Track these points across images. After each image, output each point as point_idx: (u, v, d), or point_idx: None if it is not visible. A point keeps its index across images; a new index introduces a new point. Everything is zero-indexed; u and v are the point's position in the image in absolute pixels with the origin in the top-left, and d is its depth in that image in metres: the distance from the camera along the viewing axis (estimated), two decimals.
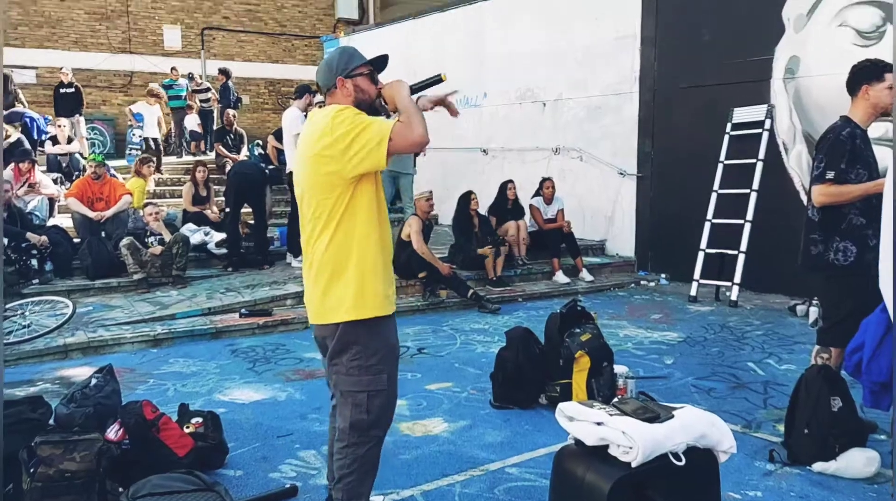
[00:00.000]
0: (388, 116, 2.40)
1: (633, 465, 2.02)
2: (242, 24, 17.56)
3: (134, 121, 12.36)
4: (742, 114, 7.44)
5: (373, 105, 2.44)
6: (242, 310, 6.30)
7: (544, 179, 8.49)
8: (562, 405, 2.38)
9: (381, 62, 2.49)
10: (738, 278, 7.09)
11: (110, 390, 3.29)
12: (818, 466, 3.28)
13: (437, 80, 2.52)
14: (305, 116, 8.27)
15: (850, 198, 3.34)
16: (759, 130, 7.28)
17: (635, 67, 8.52)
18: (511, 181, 8.37)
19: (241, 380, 4.78)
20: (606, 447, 2.10)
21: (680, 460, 2.06)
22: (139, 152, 11.48)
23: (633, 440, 2.00)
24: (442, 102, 2.61)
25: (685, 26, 7.97)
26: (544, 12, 9.67)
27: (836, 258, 3.41)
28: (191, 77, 14.15)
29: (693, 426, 2.14)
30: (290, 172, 7.68)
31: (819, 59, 6.85)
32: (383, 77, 2.52)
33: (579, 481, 2.16)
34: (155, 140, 12.47)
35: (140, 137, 12.55)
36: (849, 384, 3.42)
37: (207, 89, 13.85)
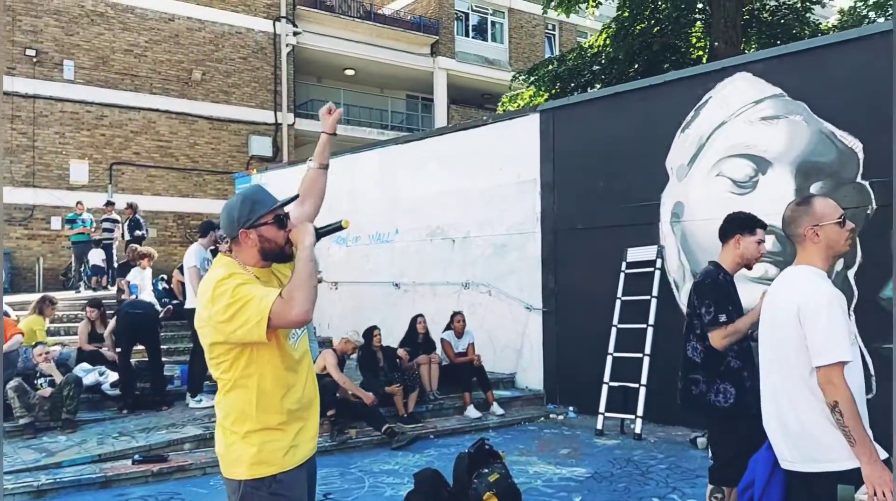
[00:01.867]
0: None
1: None
2: (153, 159, 17.67)
3: (128, 292, 11.23)
4: (635, 253, 7.93)
5: (282, 252, 2.39)
6: (136, 456, 5.94)
7: (455, 313, 8.66)
8: None
9: (290, 201, 2.47)
10: (640, 410, 7.28)
11: None
12: None
13: (338, 226, 2.50)
14: (214, 252, 8.27)
15: (742, 332, 3.50)
16: (652, 269, 7.76)
17: (536, 208, 9.03)
18: (421, 316, 8.49)
19: None
20: None
21: None
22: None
23: None
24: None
25: (580, 173, 8.58)
26: (450, 159, 10.23)
27: (717, 400, 3.57)
28: (108, 203, 13.88)
29: None
30: (190, 310, 7.57)
31: (700, 205, 7.48)
32: None
33: None
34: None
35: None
36: None
37: (116, 221, 13.61)
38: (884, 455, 2.50)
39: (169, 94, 17.83)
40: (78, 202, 13.55)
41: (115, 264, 12.99)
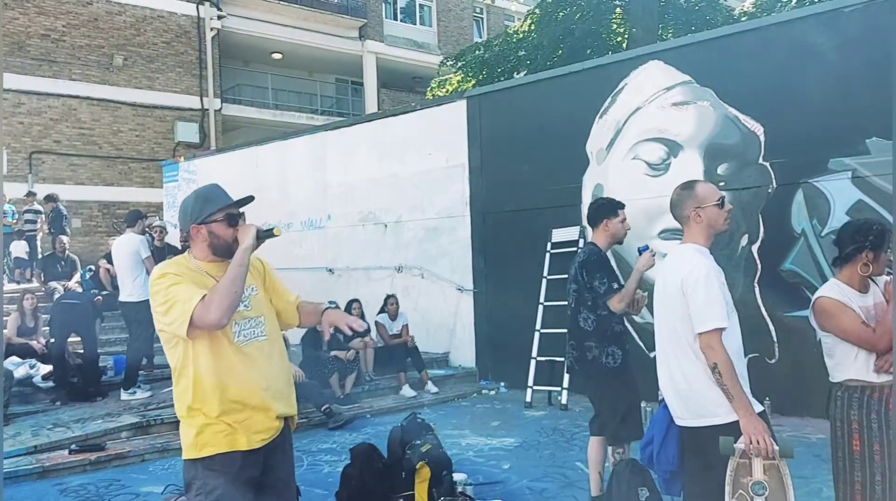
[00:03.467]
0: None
1: None
2: (75, 147, 17.14)
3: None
4: (559, 234, 8.32)
5: (230, 249, 2.50)
6: (72, 446, 5.96)
7: (388, 296, 8.89)
8: None
9: (244, 202, 2.57)
10: (566, 383, 7.68)
11: None
12: None
13: (270, 233, 2.57)
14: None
15: (632, 293, 3.96)
16: (575, 249, 8.13)
17: (465, 192, 9.31)
18: (357, 300, 8.69)
19: None
20: None
21: None
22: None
23: None
24: (339, 323, 2.71)
25: (507, 158, 8.90)
26: (380, 145, 10.39)
27: (607, 361, 4.01)
28: (29, 194, 13.47)
29: None
30: (123, 302, 7.53)
31: (618, 188, 7.87)
32: None
33: None
34: None
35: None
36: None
37: (38, 212, 13.22)
38: (759, 408, 2.86)
39: (90, 80, 17.29)
40: None
41: (39, 256, 12.65)
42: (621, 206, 4.19)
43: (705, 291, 2.84)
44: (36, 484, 5.39)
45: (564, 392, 7.63)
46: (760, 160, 6.91)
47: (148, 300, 2.57)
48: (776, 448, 2.75)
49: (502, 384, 8.75)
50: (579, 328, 4.10)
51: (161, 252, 8.65)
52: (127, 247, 7.52)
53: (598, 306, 4.00)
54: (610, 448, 4.09)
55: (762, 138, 6.90)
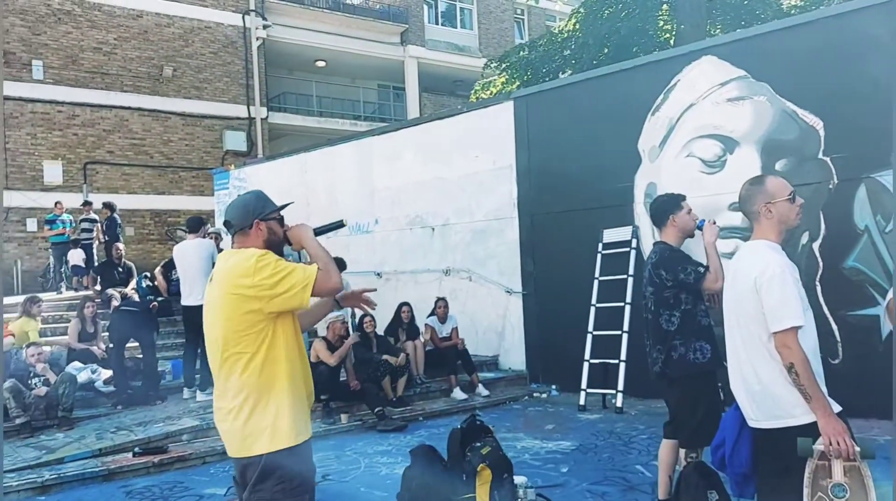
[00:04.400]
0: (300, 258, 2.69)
1: None
2: (127, 157, 17.60)
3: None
4: (611, 235, 8.21)
5: (282, 244, 2.69)
6: (136, 449, 6.10)
7: (438, 299, 8.90)
8: None
9: (284, 207, 2.78)
10: (621, 385, 7.57)
11: None
12: None
13: (339, 224, 2.85)
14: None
15: (720, 269, 3.78)
16: (627, 249, 8.04)
17: (513, 194, 9.27)
18: (407, 304, 8.73)
19: None
20: None
21: None
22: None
23: None
24: (359, 298, 2.94)
25: (555, 158, 8.82)
26: (427, 148, 10.42)
27: (695, 358, 3.85)
28: (86, 203, 13.88)
29: None
30: (190, 306, 7.64)
31: (672, 185, 7.70)
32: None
33: None
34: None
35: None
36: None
37: (94, 221, 13.58)
38: (837, 408, 2.76)
39: (140, 91, 17.74)
40: (57, 202, 13.48)
41: (95, 264, 13.00)
42: (683, 198, 4.08)
43: (780, 288, 2.77)
44: (102, 487, 5.52)
45: (619, 395, 7.52)
46: (820, 155, 6.72)
47: None
48: (857, 448, 2.66)
49: (554, 386, 8.68)
50: (662, 330, 3.95)
51: None
52: (200, 251, 7.65)
53: (681, 302, 3.89)
54: (683, 452, 4.00)
55: (821, 133, 6.72)
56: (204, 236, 7.81)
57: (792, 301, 2.76)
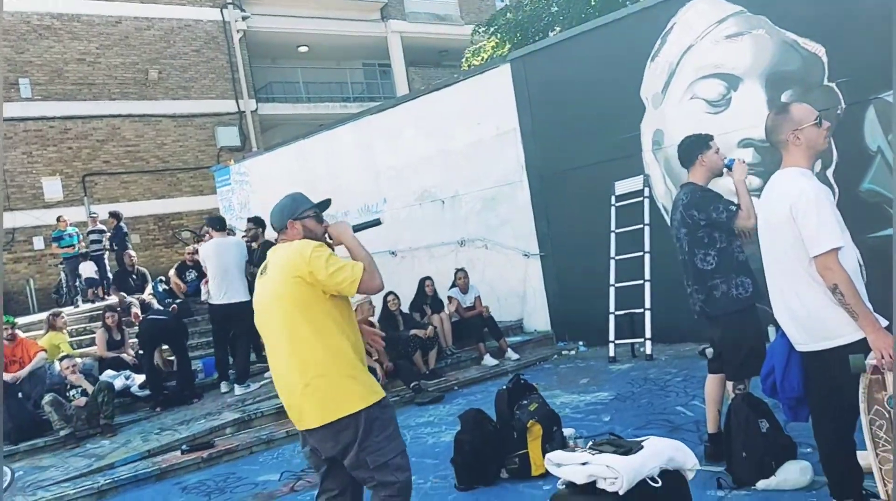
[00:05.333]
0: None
1: (621, 493, 2.31)
2: (124, 165, 17.56)
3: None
4: (623, 186, 8.21)
5: (319, 239, 2.86)
6: (183, 446, 6.18)
7: (457, 270, 8.95)
8: (549, 455, 2.71)
9: (324, 205, 2.98)
10: (648, 333, 7.64)
11: None
12: (761, 484, 3.65)
13: (376, 222, 3.10)
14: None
15: (752, 206, 3.76)
16: (640, 198, 8.05)
17: (520, 157, 9.25)
18: (429, 278, 8.79)
19: None
20: (594, 483, 2.39)
21: (657, 482, 2.37)
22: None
23: (616, 471, 2.31)
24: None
25: (559, 116, 8.80)
26: (427, 122, 10.38)
27: (738, 293, 3.86)
28: (92, 215, 13.90)
29: (662, 452, 2.46)
30: (221, 305, 7.63)
31: (679, 129, 7.69)
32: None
33: None
34: None
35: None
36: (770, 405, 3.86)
37: (103, 232, 13.61)
38: (884, 323, 2.81)
39: (128, 97, 17.65)
40: (59, 218, 13.49)
41: (109, 274, 13.05)
42: (711, 137, 4.07)
43: (817, 212, 2.79)
44: (157, 486, 5.62)
45: (648, 343, 7.59)
46: (825, 82, 6.70)
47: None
48: None
49: (581, 343, 8.75)
50: (700, 271, 3.95)
51: None
52: (237, 249, 7.68)
53: (716, 240, 3.89)
54: (730, 384, 4.05)
55: (825, 59, 6.69)
56: (230, 234, 7.85)
57: (829, 224, 2.79)
